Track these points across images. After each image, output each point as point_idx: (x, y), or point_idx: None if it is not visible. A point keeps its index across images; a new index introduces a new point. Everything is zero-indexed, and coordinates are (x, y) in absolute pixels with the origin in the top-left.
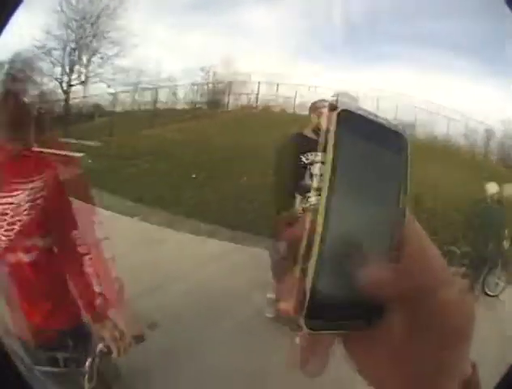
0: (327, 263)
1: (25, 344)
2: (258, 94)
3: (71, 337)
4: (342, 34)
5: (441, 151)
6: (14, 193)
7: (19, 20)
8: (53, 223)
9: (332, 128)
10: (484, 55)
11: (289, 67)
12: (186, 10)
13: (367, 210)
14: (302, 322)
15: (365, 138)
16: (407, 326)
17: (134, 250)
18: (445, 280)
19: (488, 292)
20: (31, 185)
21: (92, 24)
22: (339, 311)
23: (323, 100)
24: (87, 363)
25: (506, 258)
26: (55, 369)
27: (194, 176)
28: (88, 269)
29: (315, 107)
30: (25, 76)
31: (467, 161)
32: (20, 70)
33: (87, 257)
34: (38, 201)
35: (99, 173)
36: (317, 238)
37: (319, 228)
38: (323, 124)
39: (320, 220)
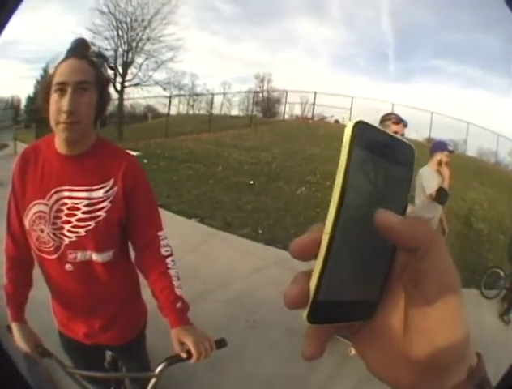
0: (332, 267)
1: (68, 340)
2: (314, 104)
3: (115, 350)
4: (393, 44)
5: (490, 171)
6: (93, 187)
7: (59, 17)
8: (138, 222)
9: (345, 139)
10: None
11: (339, 78)
12: (236, 20)
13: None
14: (305, 315)
15: (378, 150)
16: (404, 316)
17: (188, 251)
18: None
19: None
20: (111, 181)
21: (145, 28)
22: (338, 307)
23: (392, 114)
24: (160, 367)
25: None
26: (102, 374)
27: (251, 182)
28: (171, 271)
29: (383, 119)
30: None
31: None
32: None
33: (170, 258)
34: (120, 198)
35: (154, 173)
36: (324, 245)
37: (326, 237)
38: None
39: (329, 225)
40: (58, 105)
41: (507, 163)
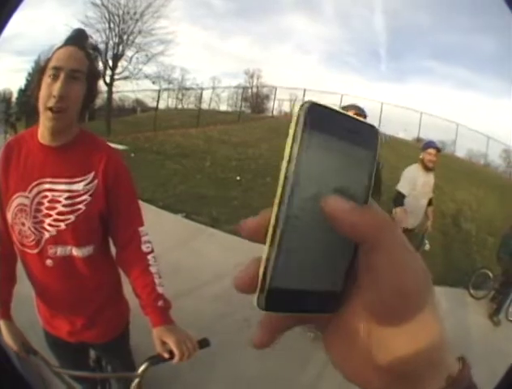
0: (284, 254)
1: (53, 339)
2: (303, 101)
3: (99, 349)
4: (385, 43)
5: (480, 172)
6: (73, 180)
7: (54, 11)
8: (119, 217)
9: (293, 121)
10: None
11: (330, 76)
12: (229, 16)
13: None
14: (256, 301)
15: (333, 132)
16: (369, 313)
17: (173, 247)
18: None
19: (511, 318)
20: (92, 173)
21: (137, 21)
22: (295, 297)
23: (352, 105)
24: (142, 367)
25: None
26: (86, 374)
27: (238, 178)
28: (153, 269)
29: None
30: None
31: (503, 183)
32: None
33: (151, 255)
34: (100, 192)
35: (141, 167)
36: (270, 231)
37: (272, 221)
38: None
39: (274, 211)
40: (50, 89)
41: (497, 165)
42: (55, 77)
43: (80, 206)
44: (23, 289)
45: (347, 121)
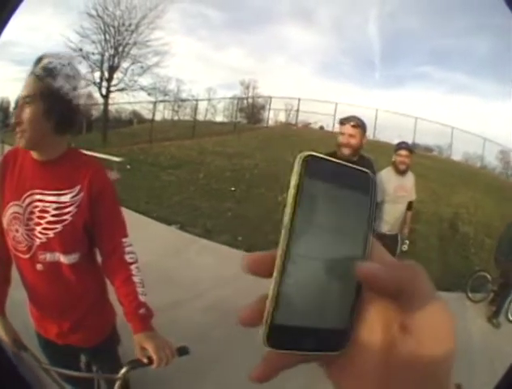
0: (288, 294)
1: (44, 341)
2: (298, 110)
3: (87, 353)
4: (379, 51)
5: (477, 175)
6: (61, 192)
7: (51, 19)
8: (102, 228)
9: (295, 170)
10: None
11: (325, 85)
12: (223, 27)
13: (331, 249)
14: (262, 339)
15: (331, 181)
16: (380, 357)
17: (166, 258)
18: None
19: (511, 319)
20: (78, 187)
21: (132, 32)
22: (300, 335)
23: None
24: (123, 371)
25: None
26: (75, 373)
27: (233, 189)
28: (135, 278)
29: (343, 122)
30: (78, 76)
31: (501, 184)
32: (71, 67)
33: (134, 265)
34: (85, 204)
35: (136, 178)
36: (276, 275)
37: (277, 270)
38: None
39: (278, 262)
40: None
41: (493, 166)
42: (16, 106)
43: (67, 216)
44: (19, 295)
45: (342, 169)
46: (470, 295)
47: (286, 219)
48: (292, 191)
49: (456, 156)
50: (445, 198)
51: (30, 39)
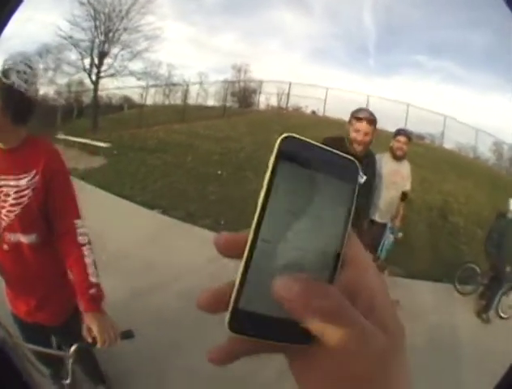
0: (256, 277)
1: (19, 321)
2: (288, 94)
3: (55, 333)
4: (374, 38)
5: (469, 164)
6: (19, 176)
7: (44, 10)
8: (55, 210)
9: (273, 154)
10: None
11: (317, 70)
12: (217, 11)
13: (304, 237)
14: (226, 323)
15: (312, 166)
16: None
17: (147, 242)
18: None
19: (502, 314)
20: (34, 171)
21: (122, 18)
22: (264, 322)
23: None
24: (72, 349)
25: None
26: (42, 350)
27: (219, 172)
28: (87, 259)
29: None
30: (29, 71)
31: (494, 176)
32: (24, 63)
33: (87, 247)
34: (40, 187)
35: (123, 164)
36: (244, 259)
37: (246, 254)
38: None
39: (248, 241)
40: None
41: (487, 157)
42: None
43: (24, 199)
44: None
45: (324, 155)
46: (458, 287)
47: (259, 202)
48: (267, 174)
49: (448, 146)
50: (436, 186)
51: (22, 30)
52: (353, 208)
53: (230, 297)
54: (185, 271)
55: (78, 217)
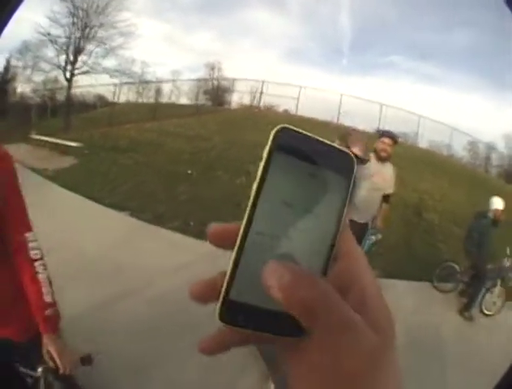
0: (246, 271)
1: None
2: (261, 93)
3: (21, 349)
4: (349, 40)
5: (444, 163)
6: None
7: (23, 6)
8: (5, 224)
9: (268, 145)
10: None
11: (291, 70)
12: (192, 9)
13: (298, 229)
14: (216, 313)
15: (306, 158)
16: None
17: (116, 246)
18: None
19: (485, 312)
20: None
21: (99, 14)
22: (253, 315)
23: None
24: (40, 369)
25: (506, 277)
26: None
27: (189, 172)
28: (41, 276)
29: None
30: None
31: (469, 174)
32: None
33: (39, 262)
34: None
35: (94, 164)
36: (236, 250)
37: (238, 245)
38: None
39: (240, 232)
40: None
41: (461, 156)
42: None
43: None
44: None
45: (320, 147)
46: (437, 284)
47: (252, 193)
48: (261, 165)
49: (423, 145)
50: (412, 185)
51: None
52: (348, 201)
53: (221, 287)
54: (155, 276)
55: (30, 230)
